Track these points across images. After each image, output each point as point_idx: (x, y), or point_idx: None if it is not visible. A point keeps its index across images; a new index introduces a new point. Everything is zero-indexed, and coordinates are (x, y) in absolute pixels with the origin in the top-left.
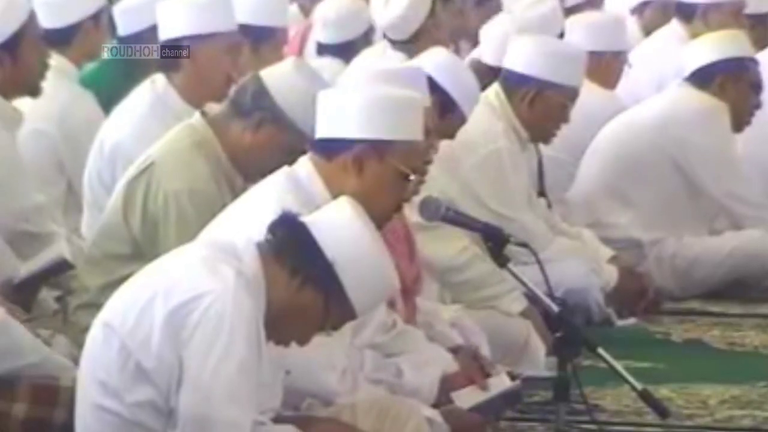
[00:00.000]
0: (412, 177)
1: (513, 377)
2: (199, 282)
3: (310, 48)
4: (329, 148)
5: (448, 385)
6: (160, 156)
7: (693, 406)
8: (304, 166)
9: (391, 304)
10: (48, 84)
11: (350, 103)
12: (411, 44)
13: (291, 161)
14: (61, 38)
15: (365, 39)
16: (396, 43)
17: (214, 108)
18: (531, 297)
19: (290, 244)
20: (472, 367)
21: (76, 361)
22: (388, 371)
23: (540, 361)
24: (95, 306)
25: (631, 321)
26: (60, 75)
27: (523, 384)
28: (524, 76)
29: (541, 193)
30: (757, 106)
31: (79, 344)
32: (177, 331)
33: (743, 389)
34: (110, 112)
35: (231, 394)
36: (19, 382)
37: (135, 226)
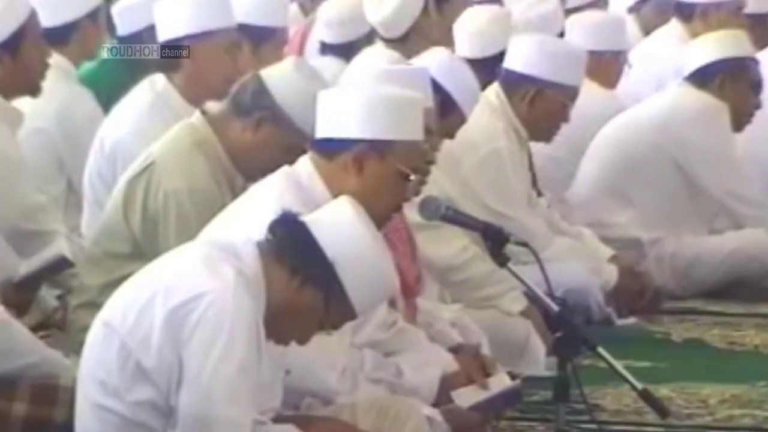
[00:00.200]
0: (413, 177)
1: (513, 377)
2: (199, 281)
3: (311, 47)
4: (329, 148)
5: (448, 384)
6: (161, 155)
7: (693, 406)
8: (305, 165)
9: (392, 304)
10: (47, 83)
11: (351, 103)
12: (404, 42)
13: (291, 161)
14: (59, 36)
15: (367, 39)
16: (389, 41)
17: (213, 106)
18: (531, 296)
19: (290, 243)
20: (473, 366)
21: None
22: (388, 370)
23: (540, 361)
24: (95, 305)
25: (631, 320)
26: (59, 73)
27: (523, 383)
28: (524, 75)
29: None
30: (757, 105)
31: (79, 343)
32: (177, 330)
33: (743, 389)
34: (109, 110)
35: (231, 393)
36: (19, 381)
37: (135, 225)
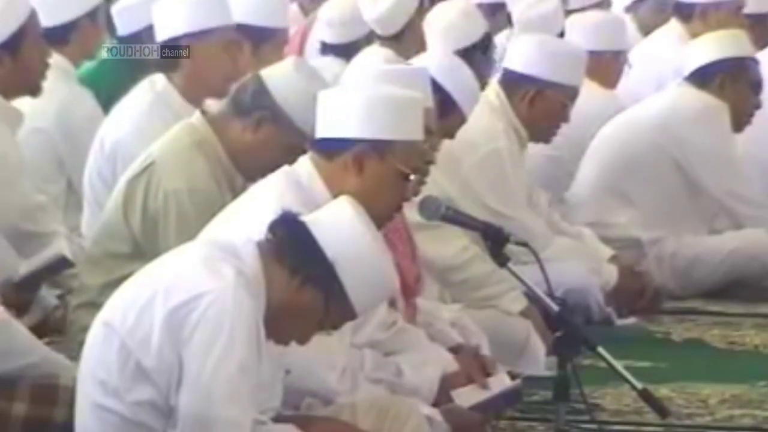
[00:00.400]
0: (413, 177)
1: (513, 377)
2: (199, 281)
3: (311, 47)
4: (330, 148)
5: (448, 384)
6: (161, 155)
7: (693, 406)
8: (305, 165)
9: (392, 304)
10: (47, 83)
11: (351, 103)
12: (399, 40)
13: (291, 161)
14: (59, 36)
15: (368, 39)
16: (384, 40)
17: (213, 106)
18: (531, 296)
19: (290, 243)
20: (473, 366)
21: None
22: (388, 370)
23: (540, 361)
24: (95, 305)
25: (631, 320)
26: (59, 73)
27: (523, 383)
28: (524, 75)
29: None
30: (757, 105)
31: (79, 343)
32: (177, 330)
33: (743, 388)
34: (109, 110)
35: (231, 393)
36: (19, 381)
37: (135, 224)
